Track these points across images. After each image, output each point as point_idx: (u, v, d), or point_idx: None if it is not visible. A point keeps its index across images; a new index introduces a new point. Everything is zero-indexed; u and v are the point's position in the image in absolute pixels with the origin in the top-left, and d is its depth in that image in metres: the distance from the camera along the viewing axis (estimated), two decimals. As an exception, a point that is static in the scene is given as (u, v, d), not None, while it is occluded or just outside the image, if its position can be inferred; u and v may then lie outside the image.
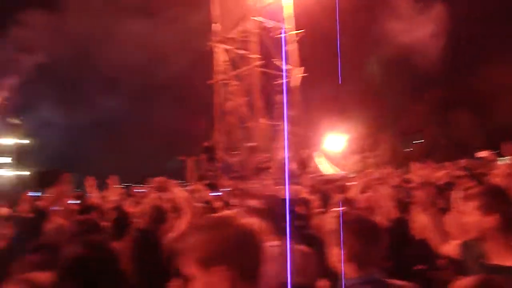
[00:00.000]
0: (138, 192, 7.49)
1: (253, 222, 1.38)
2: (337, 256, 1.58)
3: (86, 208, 4.92)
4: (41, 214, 2.77)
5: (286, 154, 16.32)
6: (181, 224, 2.75)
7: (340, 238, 1.55)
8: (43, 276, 1.30)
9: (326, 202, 4.06)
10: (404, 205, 3.91)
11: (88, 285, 1.23)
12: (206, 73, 22.35)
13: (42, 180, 21.42)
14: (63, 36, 25.99)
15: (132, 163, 24.80)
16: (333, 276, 1.70)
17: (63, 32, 25.87)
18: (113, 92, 27.97)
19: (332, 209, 2.62)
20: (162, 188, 4.24)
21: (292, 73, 18.77)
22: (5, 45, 26.42)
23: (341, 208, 2.22)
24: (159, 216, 3.57)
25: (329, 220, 1.75)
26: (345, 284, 1.48)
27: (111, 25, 23.67)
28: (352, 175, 10.31)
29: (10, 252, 2.30)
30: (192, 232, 1.14)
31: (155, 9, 24.41)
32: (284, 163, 15.29)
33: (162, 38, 22.12)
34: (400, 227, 3.43)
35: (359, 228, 1.61)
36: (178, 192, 3.26)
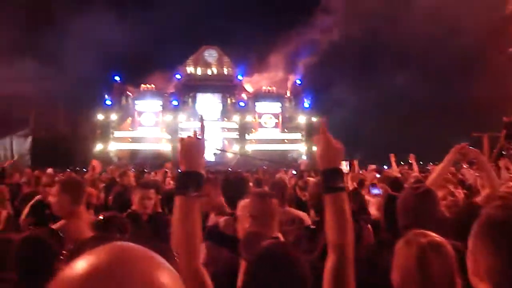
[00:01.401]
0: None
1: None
2: None
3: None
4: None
5: None
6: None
7: None
8: (433, 236, 1.70)
9: None
10: None
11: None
12: (505, 41, 25.50)
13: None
14: (357, 16, 33.59)
15: (424, 140, 30.15)
16: None
17: (357, 12, 33.42)
18: (403, 69, 33.78)
19: None
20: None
21: None
22: (304, 29, 37.68)
23: None
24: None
25: None
26: None
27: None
28: None
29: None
30: None
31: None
32: None
33: (456, 6, 25.99)
34: None
35: None
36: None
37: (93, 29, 32.79)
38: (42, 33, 30.56)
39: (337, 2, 34.74)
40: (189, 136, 1.73)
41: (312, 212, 4.10)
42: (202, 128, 1.81)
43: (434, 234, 1.78)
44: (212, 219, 3.76)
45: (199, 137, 1.74)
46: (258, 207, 2.48)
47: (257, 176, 6.53)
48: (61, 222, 3.11)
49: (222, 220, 3.17)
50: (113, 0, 36.92)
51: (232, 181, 3.96)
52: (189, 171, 1.65)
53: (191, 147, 1.68)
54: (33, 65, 28.52)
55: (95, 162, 6.60)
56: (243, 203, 2.60)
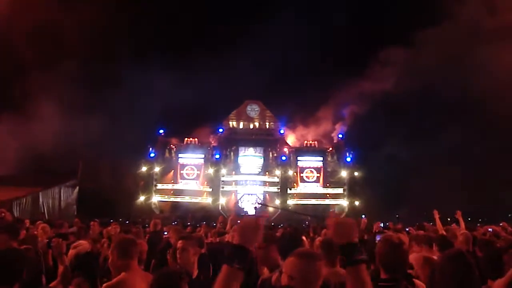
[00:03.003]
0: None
1: None
2: None
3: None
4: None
5: None
6: None
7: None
8: None
9: None
10: None
11: None
12: None
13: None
14: (402, 72, 33.31)
15: (473, 198, 28.93)
16: None
17: (413, 66, 33.24)
18: (458, 124, 32.65)
19: None
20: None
21: None
22: (346, 84, 38.03)
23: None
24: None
25: None
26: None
27: (465, 53, 28.76)
28: None
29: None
30: None
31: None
32: None
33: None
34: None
35: None
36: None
37: (139, 85, 34.40)
38: (90, 89, 32.32)
39: (380, 60, 35.05)
40: (249, 217, 1.99)
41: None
42: (262, 213, 2.04)
43: None
44: (265, 273, 3.80)
45: (259, 219, 1.97)
46: (298, 267, 2.41)
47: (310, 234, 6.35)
48: (121, 275, 3.24)
49: (275, 275, 3.19)
50: (158, 58, 38.87)
51: (287, 236, 3.95)
52: (240, 246, 1.86)
53: (249, 226, 1.91)
54: (82, 119, 30.00)
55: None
56: (287, 261, 2.52)
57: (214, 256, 5.94)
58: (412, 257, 4.47)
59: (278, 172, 40.72)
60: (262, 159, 42.43)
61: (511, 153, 28.71)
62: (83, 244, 7.22)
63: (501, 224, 9.56)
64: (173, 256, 4.91)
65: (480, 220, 21.68)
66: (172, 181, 40.77)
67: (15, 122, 27.54)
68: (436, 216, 8.67)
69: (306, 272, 2.39)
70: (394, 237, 3.18)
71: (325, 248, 3.93)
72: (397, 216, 25.35)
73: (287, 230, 7.04)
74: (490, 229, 9.15)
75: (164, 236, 8.25)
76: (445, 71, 31.98)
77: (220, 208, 38.81)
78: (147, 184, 39.45)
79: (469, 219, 25.49)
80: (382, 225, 12.16)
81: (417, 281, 3.73)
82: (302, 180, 41.34)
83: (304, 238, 5.10)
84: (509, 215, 25.57)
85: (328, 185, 41.41)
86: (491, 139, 31.04)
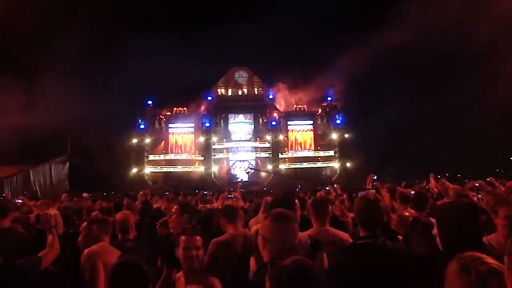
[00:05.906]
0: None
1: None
2: None
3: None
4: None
5: None
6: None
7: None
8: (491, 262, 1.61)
9: None
10: None
11: None
12: None
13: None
14: (390, 32, 32.43)
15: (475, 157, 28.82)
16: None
17: (390, 28, 32.30)
18: (460, 81, 31.52)
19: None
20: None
21: None
22: (334, 46, 37.35)
23: None
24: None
25: None
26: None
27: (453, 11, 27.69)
28: None
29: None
30: None
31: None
32: None
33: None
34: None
35: None
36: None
37: (126, 57, 33.82)
38: (77, 63, 31.69)
39: (371, 19, 34.41)
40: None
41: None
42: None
43: (490, 260, 1.69)
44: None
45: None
46: (271, 230, 2.43)
47: (301, 196, 6.36)
48: (100, 244, 3.66)
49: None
50: (145, 30, 38.14)
51: (279, 199, 3.93)
52: None
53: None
54: (69, 93, 29.52)
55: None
56: (263, 223, 2.54)
57: (205, 222, 6.04)
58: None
59: (268, 137, 40.80)
60: (252, 125, 42.40)
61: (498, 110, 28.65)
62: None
63: (488, 179, 9.68)
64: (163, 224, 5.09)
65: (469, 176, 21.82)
66: (164, 151, 40.74)
67: (0, 97, 27.06)
68: (431, 178, 9.12)
69: (280, 234, 2.41)
70: (370, 194, 3.22)
71: (315, 207, 3.95)
72: (387, 176, 25.57)
73: (279, 194, 7.15)
74: (477, 184, 9.28)
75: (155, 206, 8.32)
76: (440, 29, 31.35)
77: (212, 176, 39.02)
78: (139, 155, 39.44)
79: (459, 175, 25.85)
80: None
81: (401, 238, 3.78)
82: (293, 144, 41.67)
83: (296, 201, 5.16)
84: (497, 170, 25.87)
85: (319, 148, 41.59)
86: (481, 96, 30.85)
